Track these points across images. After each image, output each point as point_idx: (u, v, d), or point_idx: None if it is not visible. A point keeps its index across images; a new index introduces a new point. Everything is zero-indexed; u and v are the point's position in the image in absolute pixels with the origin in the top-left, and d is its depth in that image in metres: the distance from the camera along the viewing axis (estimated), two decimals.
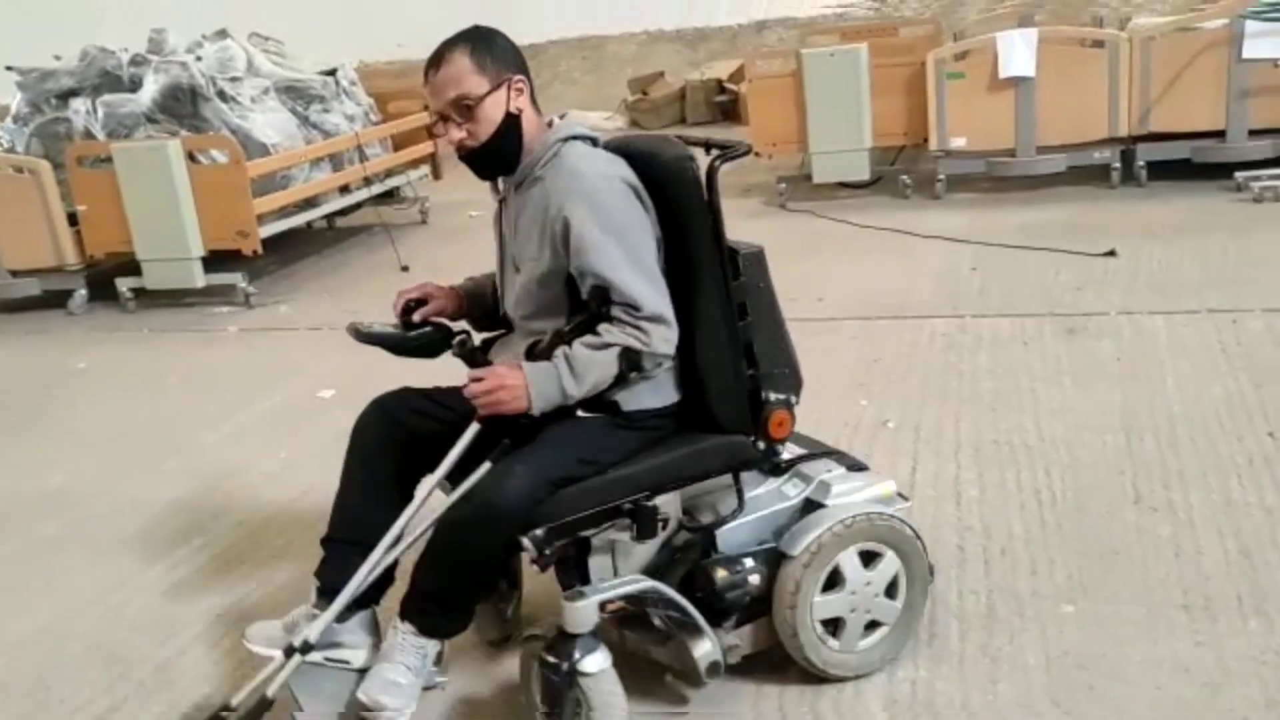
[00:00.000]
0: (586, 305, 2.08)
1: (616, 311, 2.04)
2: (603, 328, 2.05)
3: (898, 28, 8.03)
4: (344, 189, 6.77)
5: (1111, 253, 4.94)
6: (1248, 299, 4.14)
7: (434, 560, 2.06)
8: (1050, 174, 6.19)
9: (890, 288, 4.85)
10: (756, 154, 7.02)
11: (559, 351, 2.04)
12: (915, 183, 6.57)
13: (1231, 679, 2.13)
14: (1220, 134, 5.88)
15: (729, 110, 9.94)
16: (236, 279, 5.82)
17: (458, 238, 6.96)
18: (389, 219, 6.98)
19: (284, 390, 4.48)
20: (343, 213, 7.10)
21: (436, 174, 7.63)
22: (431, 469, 2.20)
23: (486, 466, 2.07)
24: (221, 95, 5.96)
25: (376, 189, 6.96)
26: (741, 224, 6.93)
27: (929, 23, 8.24)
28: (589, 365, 2.03)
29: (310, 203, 6.47)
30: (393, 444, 2.27)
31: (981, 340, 4.05)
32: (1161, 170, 6.04)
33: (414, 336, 2.31)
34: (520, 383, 2.02)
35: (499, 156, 2.14)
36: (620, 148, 2.20)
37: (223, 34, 6.49)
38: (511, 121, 2.10)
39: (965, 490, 3.00)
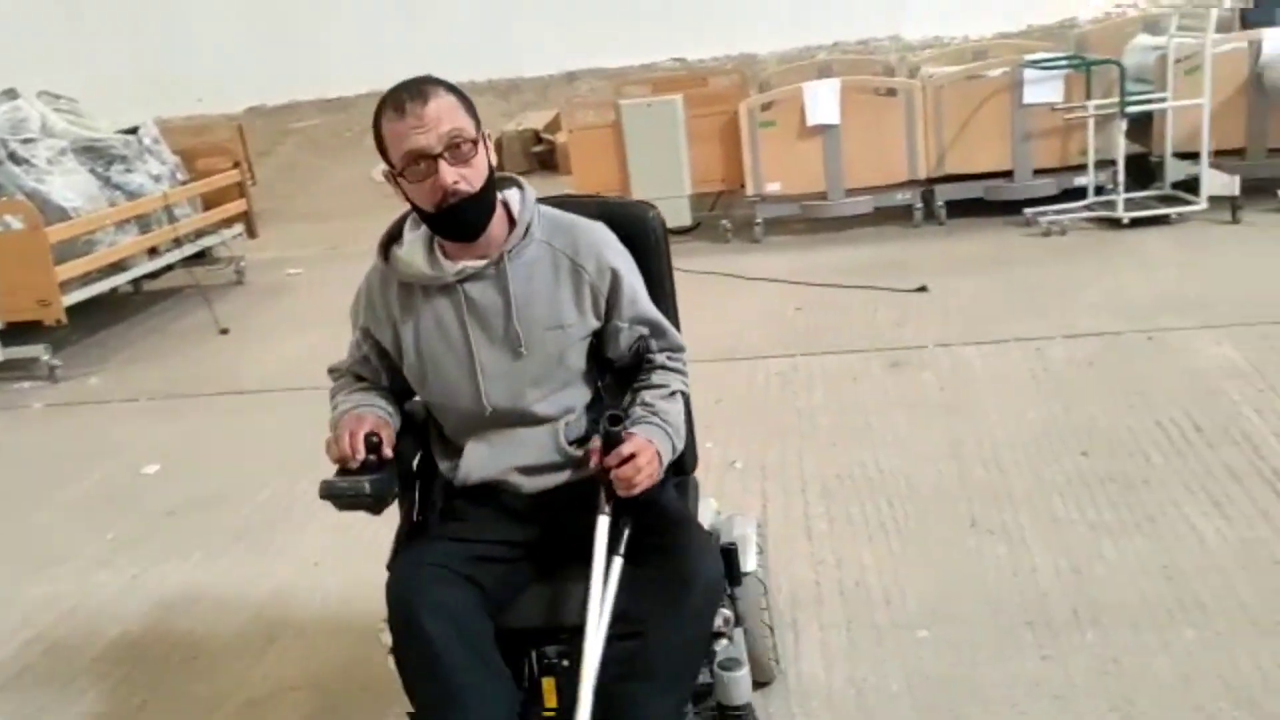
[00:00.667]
0: (609, 363, 1.98)
1: (662, 359, 1.98)
2: (659, 376, 1.96)
3: (706, 79, 8.32)
4: (153, 251, 6.45)
5: (923, 288, 5.24)
6: (1048, 327, 4.47)
7: (688, 664, 1.82)
8: (859, 215, 6.52)
9: (722, 331, 4.98)
10: None
11: (646, 410, 1.89)
12: (735, 227, 6.80)
13: (1078, 691, 2.28)
14: (1009, 174, 6.35)
15: (547, 160, 10.02)
16: (39, 351, 5.45)
17: (278, 296, 6.76)
18: (203, 280, 6.70)
19: (102, 468, 4.21)
20: (153, 276, 6.75)
21: (251, 232, 7.38)
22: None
23: (618, 562, 1.79)
24: (14, 158, 5.59)
25: (188, 250, 6.66)
26: None
27: (734, 73, 8.57)
28: (677, 417, 1.93)
29: (117, 267, 6.13)
30: (473, 606, 1.83)
31: (814, 378, 4.21)
32: (959, 209, 6.47)
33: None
34: (653, 451, 1.82)
35: (486, 212, 1.87)
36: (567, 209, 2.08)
37: (11, 93, 6.12)
38: (492, 175, 1.88)
39: (815, 525, 3.11)
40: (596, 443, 1.84)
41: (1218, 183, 5.75)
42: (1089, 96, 6.02)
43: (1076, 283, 5.07)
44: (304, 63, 11.30)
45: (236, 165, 7.23)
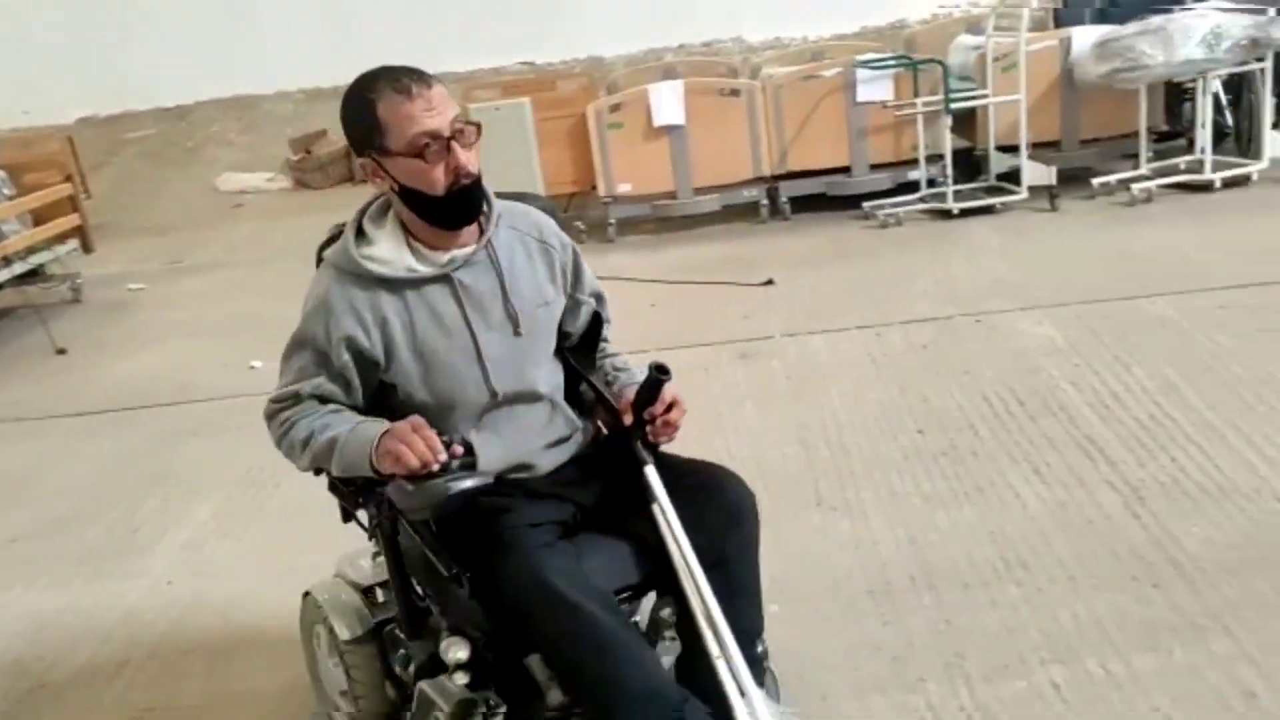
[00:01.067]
0: (565, 336, 2.09)
1: (607, 332, 2.13)
2: (613, 347, 2.16)
3: (555, 82, 8.39)
4: None
5: (769, 282, 5.43)
6: (886, 314, 4.70)
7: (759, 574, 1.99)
8: (708, 213, 6.70)
9: None
10: None
11: (625, 374, 2.09)
12: (589, 228, 6.88)
13: (915, 651, 2.44)
14: (847, 170, 6.62)
15: None
16: None
17: (119, 313, 6.53)
18: (36, 300, 6.41)
19: None
20: None
21: (87, 247, 7.08)
22: None
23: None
24: None
25: (18, 268, 6.36)
26: None
27: (582, 76, 8.67)
28: None
29: None
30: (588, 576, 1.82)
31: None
32: (803, 204, 6.70)
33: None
34: None
35: (484, 195, 1.91)
36: None
37: None
38: None
39: None
40: (626, 398, 1.97)
41: (1036, 173, 6.14)
42: (917, 94, 6.33)
43: (911, 272, 5.34)
44: (136, 71, 10.88)
45: (68, 178, 6.93)
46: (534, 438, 1.98)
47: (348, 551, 2.35)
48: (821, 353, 4.40)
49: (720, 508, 1.93)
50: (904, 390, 3.88)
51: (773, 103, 6.53)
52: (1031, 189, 6.14)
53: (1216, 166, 5.97)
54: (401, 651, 2.07)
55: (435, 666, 1.92)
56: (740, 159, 6.59)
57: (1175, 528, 2.76)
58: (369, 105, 1.81)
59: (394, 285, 1.89)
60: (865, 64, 6.41)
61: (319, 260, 2.01)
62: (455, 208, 1.86)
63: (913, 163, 6.49)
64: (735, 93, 6.63)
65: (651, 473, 1.89)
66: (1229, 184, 5.93)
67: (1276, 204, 5.56)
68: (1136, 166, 6.21)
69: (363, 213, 1.96)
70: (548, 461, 1.99)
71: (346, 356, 1.87)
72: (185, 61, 10.82)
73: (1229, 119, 6.55)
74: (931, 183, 6.42)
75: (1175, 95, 6.58)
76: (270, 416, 1.94)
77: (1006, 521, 2.93)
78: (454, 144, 1.81)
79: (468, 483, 1.92)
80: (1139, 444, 3.23)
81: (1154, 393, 3.55)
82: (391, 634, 2.13)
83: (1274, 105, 6.13)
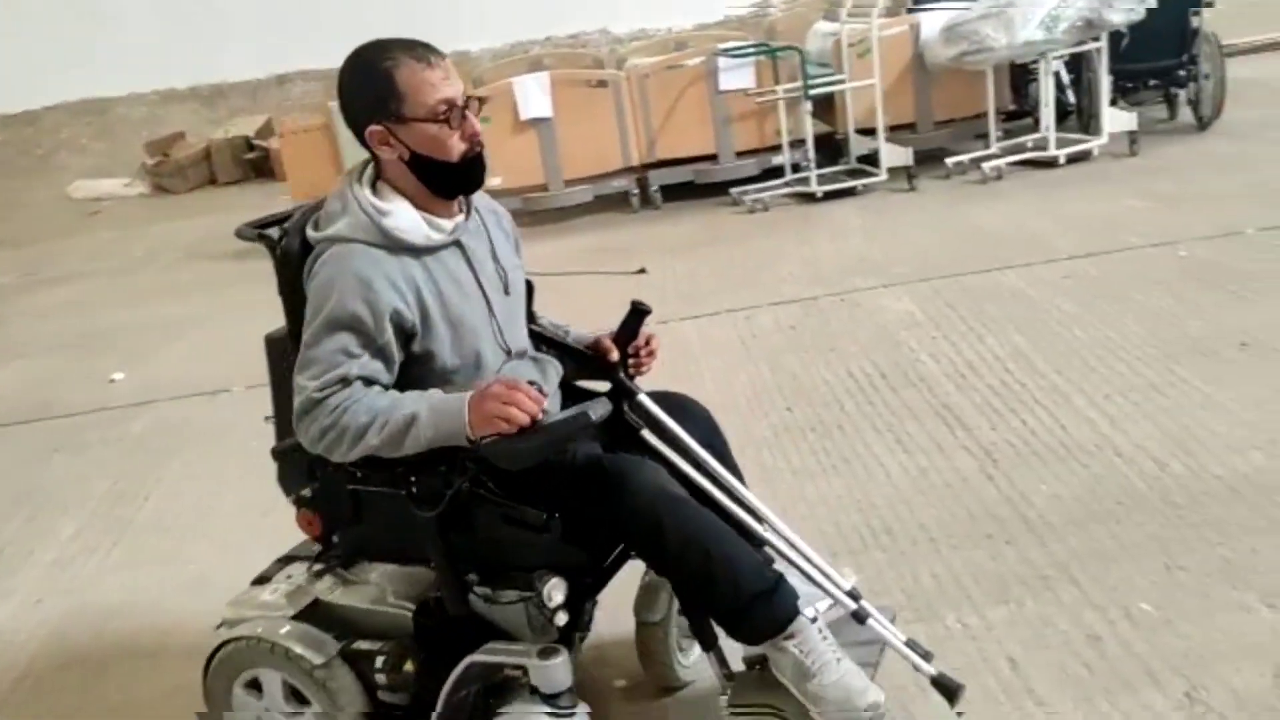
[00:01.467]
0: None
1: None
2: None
3: None
4: None
5: (642, 270, 5.49)
6: (755, 297, 4.82)
7: None
8: (580, 204, 6.73)
9: None
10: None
11: (569, 329, 2.23)
12: None
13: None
14: (714, 157, 6.73)
15: (261, 167, 9.68)
16: None
17: None
18: None
19: None
20: None
21: None
22: None
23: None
24: None
25: None
26: None
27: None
28: None
29: None
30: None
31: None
32: (673, 193, 6.80)
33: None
34: None
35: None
36: None
37: None
38: None
39: None
40: (606, 340, 2.09)
41: (895, 155, 6.35)
42: (777, 81, 6.48)
43: (779, 254, 5.47)
44: None
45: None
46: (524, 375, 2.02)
47: (236, 596, 2.20)
48: (693, 337, 4.48)
49: (697, 420, 2.11)
50: (774, 370, 4.00)
51: (638, 93, 6.60)
52: (890, 170, 6.35)
53: (1061, 143, 6.27)
54: (381, 659, 2.01)
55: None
56: (609, 150, 6.65)
57: (1025, 486, 2.92)
58: (385, 73, 1.81)
59: (418, 253, 1.88)
60: (726, 52, 6.53)
61: (299, 245, 1.91)
62: (468, 174, 1.91)
63: (777, 148, 6.65)
64: (602, 84, 6.67)
65: (646, 399, 2.00)
66: (1073, 159, 6.24)
67: (1115, 177, 5.87)
68: (988, 146, 6.48)
69: (350, 189, 1.89)
70: (556, 409, 2.01)
71: (390, 332, 1.83)
72: (30, 65, 10.36)
73: (1071, 97, 6.88)
74: (796, 167, 6.58)
75: (1022, 76, 6.88)
76: (313, 405, 1.79)
77: (872, 490, 3.05)
78: (468, 112, 1.86)
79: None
80: (992, 409, 3.40)
81: (1005, 360, 3.74)
82: (357, 651, 2.05)
83: (1110, 83, 6.48)
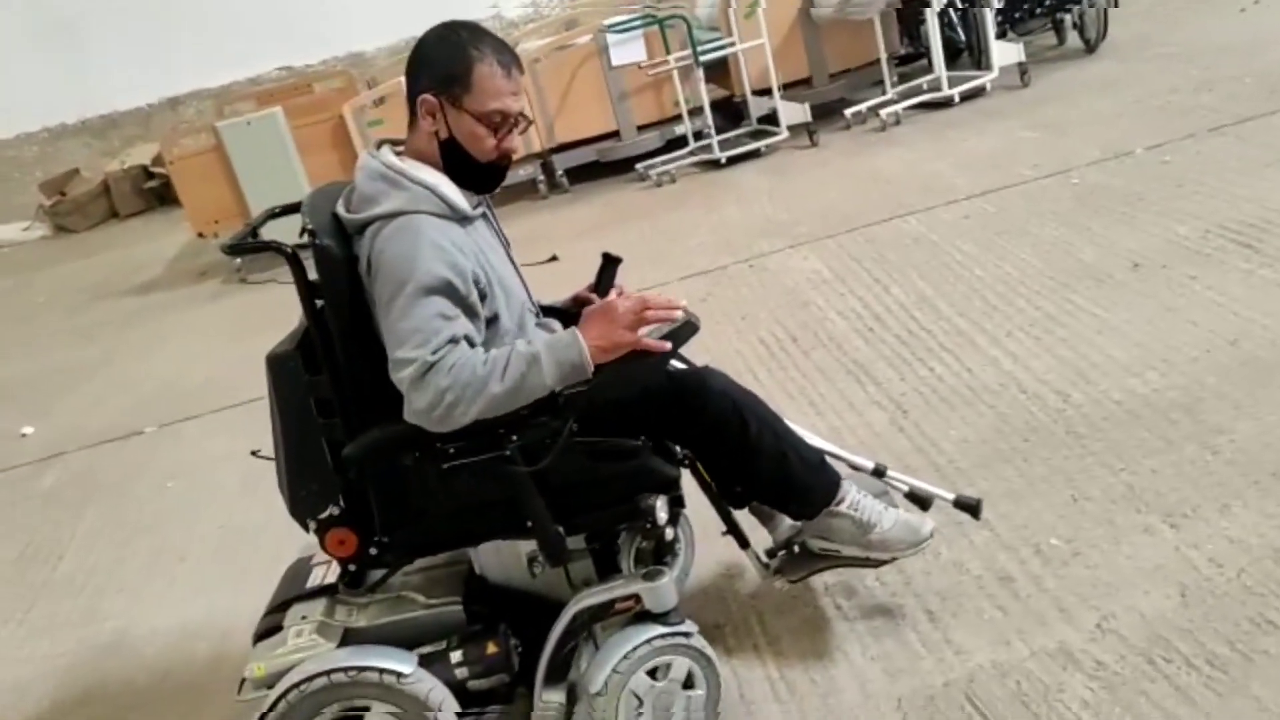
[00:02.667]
0: None
1: None
2: None
3: (311, 84, 8.13)
4: None
5: (554, 258, 5.44)
6: (666, 272, 4.80)
7: None
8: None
9: None
10: (200, 235, 6.83)
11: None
12: None
13: (706, 596, 2.53)
14: (616, 134, 6.68)
15: (164, 194, 9.44)
16: None
17: None
18: None
19: None
20: None
21: None
22: None
23: None
24: None
25: None
26: (206, 306, 6.70)
27: (341, 75, 8.43)
28: None
29: None
30: None
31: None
32: (580, 174, 6.75)
33: None
34: None
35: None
36: None
37: None
38: None
39: None
40: (586, 293, 2.29)
41: (793, 113, 6.35)
42: (669, 51, 6.43)
43: (688, 226, 5.46)
44: None
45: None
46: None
47: (254, 652, 2.06)
48: None
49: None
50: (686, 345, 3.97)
51: (531, 78, 6.51)
52: (791, 128, 6.35)
53: (953, 82, 6.31)
54: (458, 654, 2.02)
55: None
56: None
57: (934, 433, 2.95)
58: (468, 60, 1.90)
59: (464, 222, 1.97)
60: (613, 28, 6.46)
61: (337, 237, 1.90)
62: (486, 178, 2.01)
63: (677, 118, 6.61)
64: None
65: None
66: (966, 97, 6.29)
67: (1008, 110, 5.92)
68: (884, 93, 6.50)
69: (386, 165, 1.95)
70: None
71: (475, 294, 1.89)
72: None
73: (961, 35, 6.92)
74: (698, 135, 6.55)
75: (913, 19, 6.90)
76: (427, 369, 1.78)
77: None
78: (514, 129, 1.97)
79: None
80: (900, 360, 3.42)
81: (910, 308, 3.76)
82: (423, 656, 2.02)
83: (999, 16, 6.52)
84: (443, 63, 1.92)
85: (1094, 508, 2.47)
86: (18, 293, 7.76)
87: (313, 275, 1.92)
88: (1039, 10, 6.94)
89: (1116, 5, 6.66)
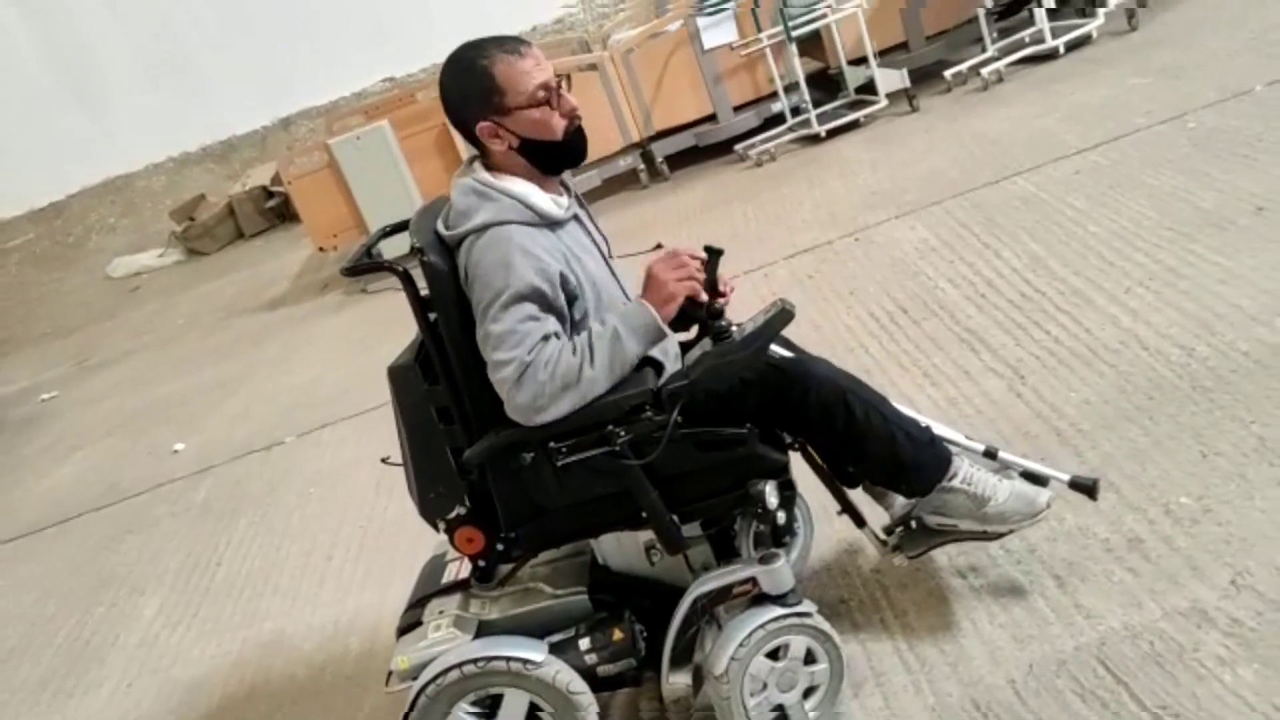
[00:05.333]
0: None
1: None
2: None
3: (414, 94, 8.36)
4: None
5: (659, 246, 5.48)
6: (770, 253, 4.81)
7: None
8: (591, 190, 6.75)
9: None
10: (321, 249, 7.11)
11: None
12: None
13: (829, 571, 2.56)
14: (713, 117, 6.70)
15: (284, 211, 9.86)
16: None
17: (34, 428, 6.47)
18: None
19: None
20: None
21: None
22: None
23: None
24: None
25: None
26: (330, 318, 6.95)
27: (436, 84, 8.64)
28: None
29: None
30: None
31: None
32: (679, 160, 6.80)
33: None
34: None
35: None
36: None
37: None
38: None
39: None
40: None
41: (891, 80, 6.26)
42: (759, 29, 6.42)
43: (791, 203, 5.45)
44: None
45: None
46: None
47: (398, 647, 2.17)
48: None
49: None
50: (795, 323, 3.98)
51: (625, 69, 6.59)
52: (890, 95, 6.27)
53: (1057, 33, 6.12)
54: (587, 640, 2.12)
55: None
56: (608, 130, 6.64)
57: (1054, 398, 2.91)
58: (484, 70, 1.98)
59: (554, 226, 2.06)
60: (703, 9, 6.48)
61: (440, 254, 2.00)
62: (574, 147, 2.07)
63: (773, 96, 6.60)
64: (592, 67, 6.67)
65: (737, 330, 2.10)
66: (1071, 47, 6.10)
67: (1117, 58, 5.71)
68: (984, 50, 6.36)
69: (477, 180, 2.03)
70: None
71: (562, 298, 1.98)
72: (45, 157, 10.66)
73: None
74: (796, 111, 6.52)
75: None
76: (526, 368, 1.90)
77: None
78: (562, 89, 2.02)
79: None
80: (1015, 325, 3.37)
81: (1023, 271, 3.70)
82: (553, 645, 2.13)
83: None
84: (470, 90, 2.00)
85: (1224, 463, 2.41)
86: (161, 316, 8.21)
87: (424, 290, 2.02)
88: None
89: None
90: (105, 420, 6.08)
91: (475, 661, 2.07)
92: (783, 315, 2.02)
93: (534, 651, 2.08)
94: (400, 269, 2.03)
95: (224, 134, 11.10)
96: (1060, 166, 4.50)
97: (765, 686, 2.08)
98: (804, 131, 6.39)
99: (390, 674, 2.15)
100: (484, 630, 2.15)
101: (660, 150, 6.79)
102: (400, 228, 2.22)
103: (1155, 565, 2.20)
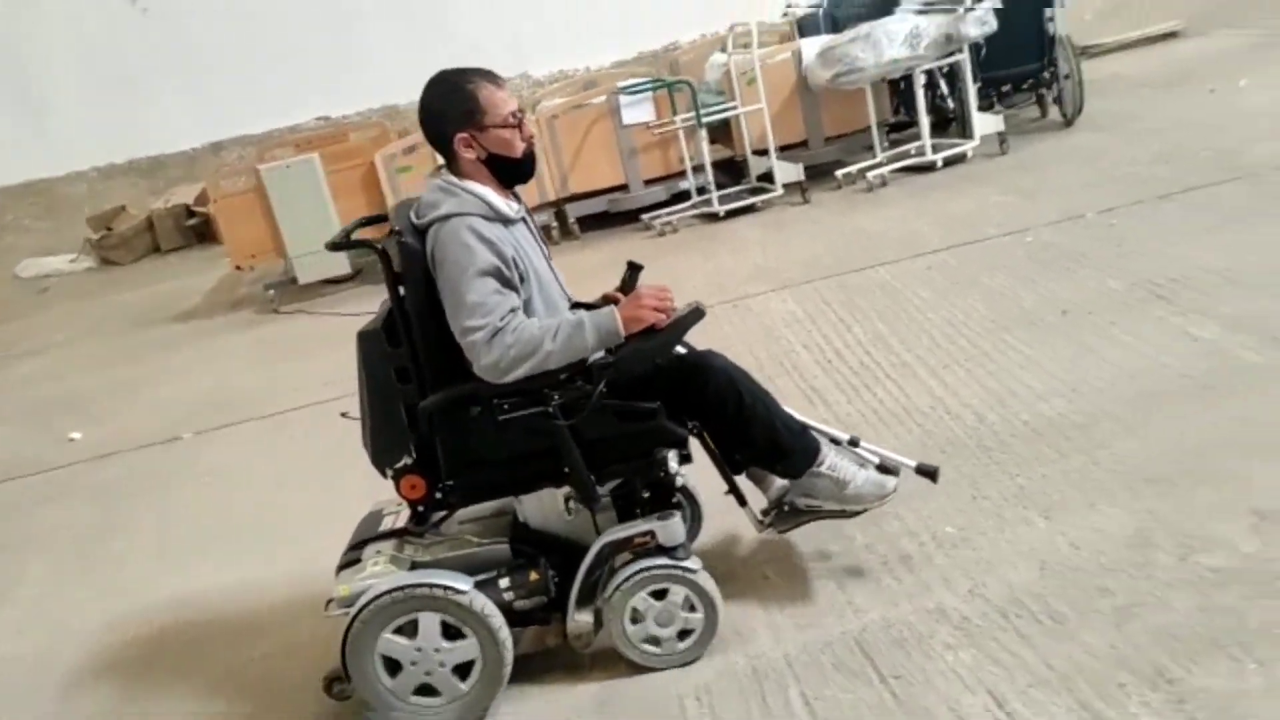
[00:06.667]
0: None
1: None
2: None
3: (348, 133, 8.74)
4: None
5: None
6: None
7: None
8: None
9: None
10: (238, 267, 7.38)
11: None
12: None
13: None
14: (625, 187, 7.22)
15: (203, 233, 10.06)
16: None
17: None
18: None
19: None
20: None
21: None
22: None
23: None
24: None
25: None
26: (239, 334, 7.23)
27: (376, 126, 9.05)
28: None
29: None
30: None
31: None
32: (591, 223, 7.28)
33: None
34: None
35: None
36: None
37: None
38: None
39: None
40: (614, 294, 2.74)
41: (788, 172, 6.86)
42: (675, 112, 6.99)
43: (686, 270, 5.95)
44: None
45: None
46: None
47: (339, 578, 2.52)
48: None
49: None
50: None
51: (548, 132, 7.08)
52: (786, 186, 6.87)
53: (937, 148, 6.81)
54: (507, 580, 2.50)
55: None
56: (526, 187, 7.07)
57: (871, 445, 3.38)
58: (469, 93, 2.42)
59: (507, 223, 2.46)
60: (625, 90, 7.03)
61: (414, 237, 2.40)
62: (528, 166, 2.53)
63: (682, 174, 7.15)
64: None
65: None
66: (949, 162, 6.78)
67: (985, 176, 6.40)
68: (874, 156, 7.01)
69: (445, 181, 2.46)
70: None
71: (517, 277, 2.39)
72: None
73: (951, 105, 7.44)
74: (701, 190, 7.07)
75: (909, 88, 7.41)
76: (497, 333, 2.31)
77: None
78: (523, 119, 2.48)
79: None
80: (850, 387, 3.87)
81: (866, 345, 4.22)
82: (479, 582, 2.48)
83: (981, 89, 7.05)
84: (454, 106, 2.43)
85: (988, 504, 2.91)
86: (69, 320, 8.33)
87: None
88: (1024, 85, 7.46)
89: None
90: (6, 407, 6.22)
91: (409, 588, 2.43)
92: (695, 314, 2.48)
93: (462, 583, 2.45)
94: (379, 246, 2.46)
95: (154, 150, 11.27)
96: (918, 262, 5.08)
97: (643, 618, 2.49)
98: (706, 209, 6.94)
99: (330, 600, 2.51)
100: (416, 569, 2.53)
101: (574, 211, 7.27)
102: (379, 219, 2.69)
103: (916, 576, 2.66)
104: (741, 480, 2.73)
